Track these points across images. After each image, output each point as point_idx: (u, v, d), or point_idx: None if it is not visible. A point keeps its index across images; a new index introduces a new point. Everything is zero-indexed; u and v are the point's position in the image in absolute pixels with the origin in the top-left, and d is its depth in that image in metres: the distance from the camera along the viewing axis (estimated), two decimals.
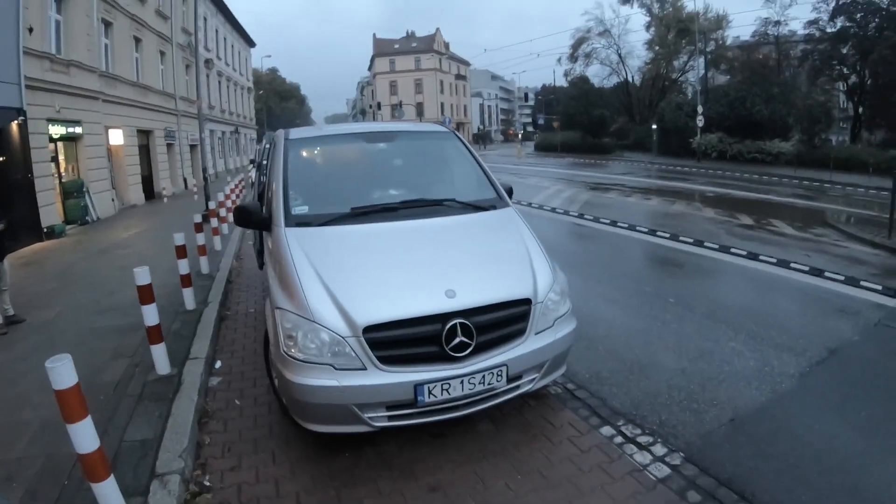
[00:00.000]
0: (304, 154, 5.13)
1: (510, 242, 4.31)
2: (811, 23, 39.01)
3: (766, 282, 8.22)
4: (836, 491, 3.42)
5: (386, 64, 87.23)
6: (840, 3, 36.46)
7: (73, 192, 16.68)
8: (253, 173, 18.17)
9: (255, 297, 7.71)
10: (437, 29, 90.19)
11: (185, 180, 28.65)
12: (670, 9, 51.51)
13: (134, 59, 22.99)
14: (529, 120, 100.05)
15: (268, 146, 6.90)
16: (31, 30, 14.25)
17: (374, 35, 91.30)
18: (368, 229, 4.21)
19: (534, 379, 3.81)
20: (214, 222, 11.33)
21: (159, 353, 4.80)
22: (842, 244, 11.15)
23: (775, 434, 4.03)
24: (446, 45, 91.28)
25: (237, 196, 17.11)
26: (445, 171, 5.54)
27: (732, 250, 9.82)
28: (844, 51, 37.31)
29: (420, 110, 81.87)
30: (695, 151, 37.59)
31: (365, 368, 3.33)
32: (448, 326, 3.39)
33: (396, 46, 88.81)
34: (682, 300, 7.16)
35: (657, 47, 52.75)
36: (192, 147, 30.55)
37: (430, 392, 3.36)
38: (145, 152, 24.12)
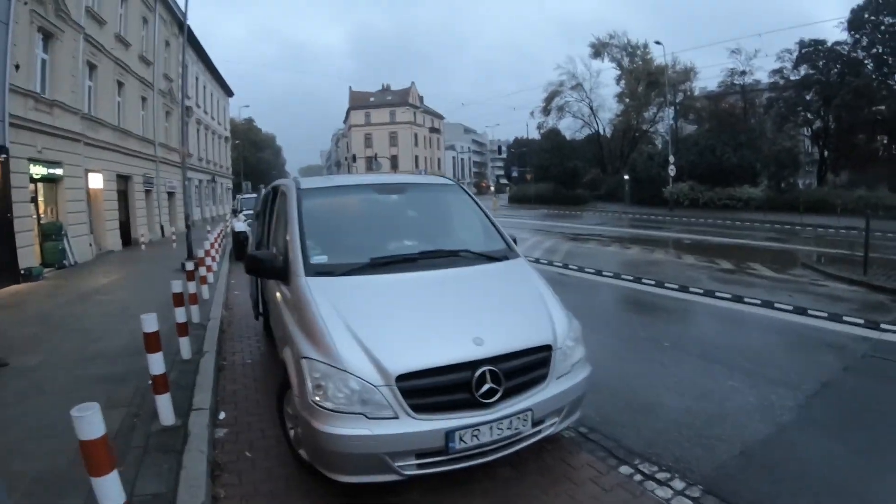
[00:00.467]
0: (317, 204, 5.09)
1: (526, 291, 4.45)
2: (776, 71, 40.85)
3: (753, 322, 8.43)
4: None
5: (361, 116, 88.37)
6: (803, 51, 38.21)
7: (51, 234, 16.43)
8: (236, 223, 18.04)
9: (251, 347, 7.61)
10: (413, 83, 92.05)
11: (161, 228, 28.40)
12: (640, 62, 53.15)
13: (116, 103, 22.99)
14: (502, 172, 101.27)
15: (268, 195, 6.91)
16: (17, 66, 14.22)
17: (350, 88, 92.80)
18: (390, 279, 4.24)
19: (554, 423, 3.87)
20: (202, 271, 11.14)
21: (164, 403, 4.64)
22: (820, 283, 11.48)
23: (784, 462, 4.21)
24: (421, 99, 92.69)
25: (219, 245, 16.90)
26: (456, 223, 5.69)
27: (717, 294, 9.98)
28: (808, 97, 38.92)
29: (394, 163, 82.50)
30: (667, 200, 38.37)
31: (397, 417, 3.33)
32: (478, 373, 3.43)
33: (372, 99, 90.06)
34: (676, 344, 7.31)
35: (627, 99, 54.19)
36: (170, 194, 30.45)
37: (460, 439, 3.37)
38: (123, 198, 23.95)
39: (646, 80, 51.27)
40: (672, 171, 37.80)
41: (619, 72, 54.43)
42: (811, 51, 38.05)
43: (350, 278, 4.19)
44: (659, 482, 3.93)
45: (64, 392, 5.65)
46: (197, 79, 40.62)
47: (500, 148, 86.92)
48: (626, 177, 45.84)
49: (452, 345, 3.56)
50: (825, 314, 8.39)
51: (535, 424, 3.68)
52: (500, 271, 4.74)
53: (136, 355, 6.71)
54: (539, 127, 61.30)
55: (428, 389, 3.40)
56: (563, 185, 52.70)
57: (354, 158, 67.82)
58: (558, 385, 3.81)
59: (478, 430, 3.40)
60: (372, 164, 68.78)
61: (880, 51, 35.17)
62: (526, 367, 3.68)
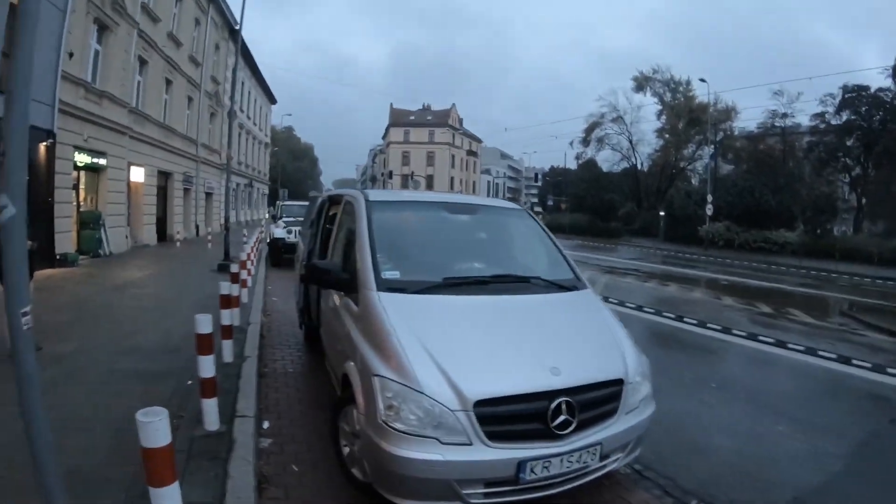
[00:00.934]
0: (387, 217, 4.95)
1: (598, 323, 4.39)
2: (817, 115, 40.59)
3: (797, 368, 8.38)
4: None
5: (400, 134, 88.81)
6: (846, 96, 37.91)
7: (89, 222, 16.64)
8: (275, 229, 18.07)
9: (292, 355, 7.45)
10: (453, 104, 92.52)
11: (197, 227, 28.70)
12: (682, 98, 52.97)
13: (163, 101, 23.34)
14: (536, 200, 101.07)
15: (324, 203, 6.91)
16: (71, 55, 14.48)
17: (392, 105, 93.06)
18: (464, 301, 4.14)
19: (618, 458, 3.80)
20: (242, 274, 10.98)
21: (210, 407, 4.47)
22: (860, 332, 11.50)
23: None
24: (460, 121, 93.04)
25: (256, 249, 16.87)
26: (525, 248, 5.57)
27: (760, 338, 9.90)
28: (849, 143, 38.54)
29: (430, 183, 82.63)
30: (701, 239, 38.23)
31: (471, 444, 3.20)
32: (554, 404, 3.33)
33: (412, 118, 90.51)
34: (722, 385, 7.25)
35: (667, 135, 53.94)
36: (208, 195, 30.85)
37: (531, 469, 3.27)
38: (162, 194, 24.20)
39: (687, 116, 51.19)
40: (710, 210, 37.50)
41: (660, 107, 54.56)
42: (854, 96, 37.87)
43: (423, 296, 4.07)
44: None
45: (98, 384, 5.54)
46: (242, 84, 41.14)
47: (536, 175, 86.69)
48: (662, 213, 45.61)
49: (530, 373, 3.46)
50: (869, 365, 8.34)
51: (601, 458, 3.58)
52: (570, 301, 4.64)
53: (172, 353, 6.67)
54: (577, 157, 61.53)
55: (504, 417, 3.29)
56: (598, 216, 52.44)
57: (391, 175, 68.15)
58: (627, 420, 3.73)
59: (549, 461, 3.30)
60: (409, 182, 68.95)
61: None
62: (599, 401, 3.60)
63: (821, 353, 8.90)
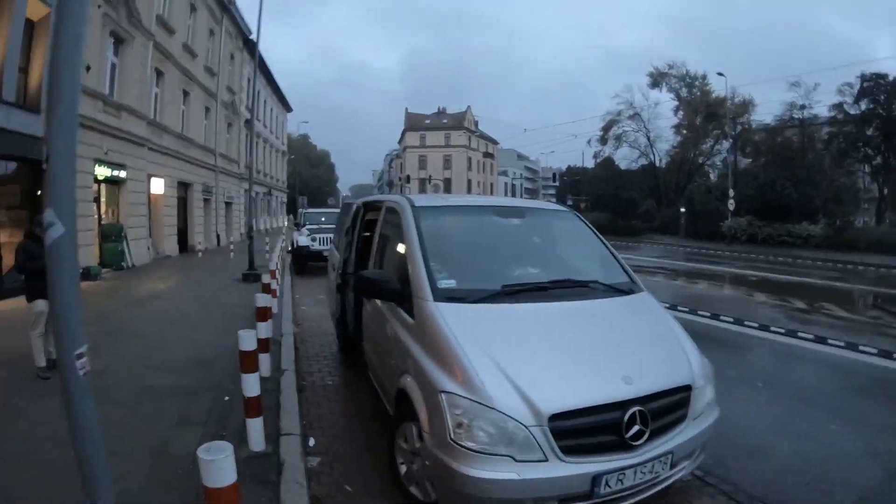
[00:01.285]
0: (436, 224, 4.77)
1: (660, 327, 4.24)
2: (836, 106, 40.02)
3: (840, 365, 8.17)
4: None
5: (416, 138, 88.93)
6: (864, 85, 37.50)
7: (111, 235, 16.60)
8: (299, 237, 17.99)
9: (329, 367, 7.27)
10: (468, 107, 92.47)
11: (218, 237, 28.70)
12: (698, 93, 52.47)
13: (181, 112, 23.39)
14: (555, 200, 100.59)
15: (359, 210, 6.74)
16: (88, 68, 14.42)
17: (406, 109, 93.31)
18: (525, 309, 3.97)
19: (685, 466, 3.68)
20: (273, 283, 10.85)
21: (256, 427, 4.30)
22: None
23: None
24: (476, 123, 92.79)
25: (280, 257, 16.80)
26: (577, 251, 5.40)
27: (799, 334, 9.65)
28: (869, 132, 38.12)
29: (448, 186, 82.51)
30: (724, 234, 37.66)
31: (546, 460, 3.08)
32: (628, 414, 3.23)
33: (427, 122, 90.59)
34: (769, 384, 7.11)
35: (685, 131, 53.31)
36: (227, 205, 30.95)
37: (606, 483, 3.17)
38: (183, 205, 24.22)
39: (704, 111, 50.57)
40: (731, 205, 37.02)
41: (677, 103, 53.96)
42: (872, 85, 37.48)
43: (483, 306, 3.89)
44: None
45: (131, 404, 5.40)
46: (258, 93, 41.20)
47: (554, 175, 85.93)
48: (682, 209, 45.10)
49: (603, 383, 3.33)
50: None
51: (671, 467, 3.47)
52: (630, 305, 4.48)
53: (204, 367, 6.56)
54: (595, 156, 60.88)
55: (579, 430, 3.18)
56: (617, 215, 51.51)
57: (409, 179, 68.01)
58: (695, 426, 3.61)
59: (623, 473, 3.19)
60: (426, 186, 68.86)
61: None
62: (669, 408, 3.50)
63: (861, 347, 8.70)
